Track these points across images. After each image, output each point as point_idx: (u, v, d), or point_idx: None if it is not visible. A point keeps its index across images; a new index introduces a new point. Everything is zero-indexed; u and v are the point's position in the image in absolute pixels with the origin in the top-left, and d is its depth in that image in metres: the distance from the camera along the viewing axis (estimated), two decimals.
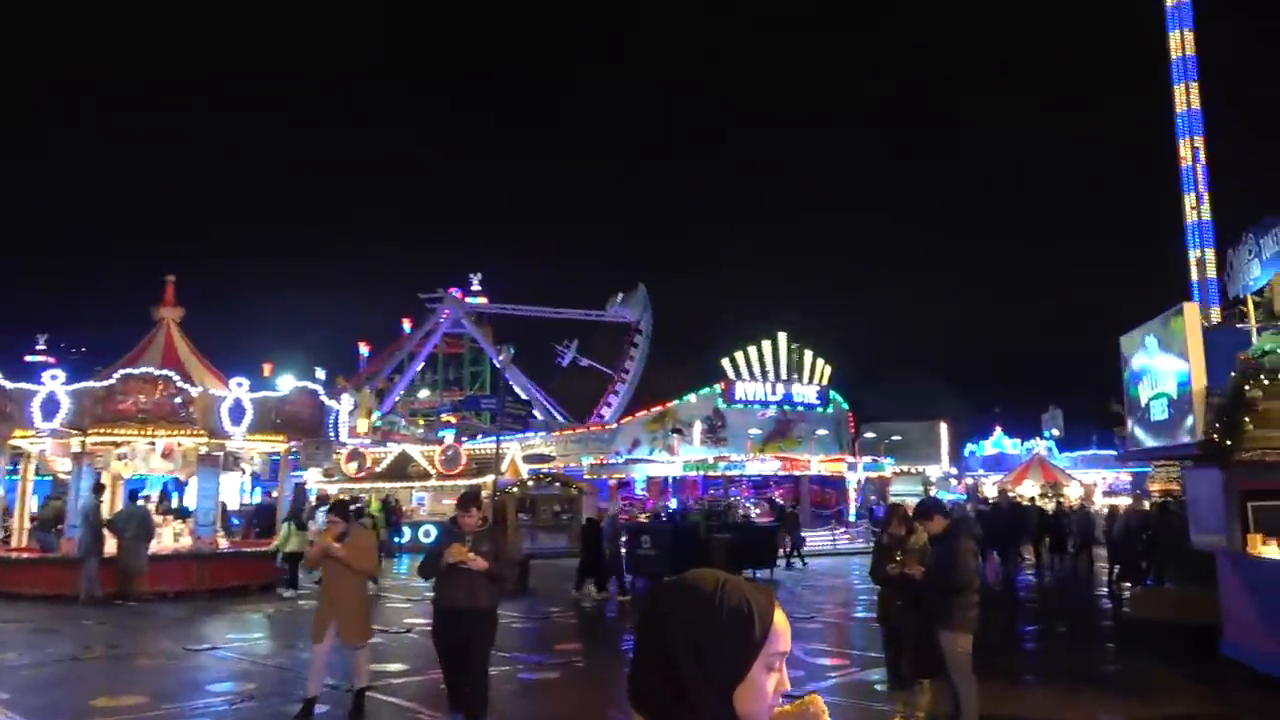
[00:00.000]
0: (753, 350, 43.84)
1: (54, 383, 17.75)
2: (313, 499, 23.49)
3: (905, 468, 47.36)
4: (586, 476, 37.53)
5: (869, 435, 48.29)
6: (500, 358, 32.49)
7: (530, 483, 32.57)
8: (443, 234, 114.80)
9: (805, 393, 44.38)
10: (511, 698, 9.31)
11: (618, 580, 18.92)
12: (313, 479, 30.24)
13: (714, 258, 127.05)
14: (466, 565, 7.08)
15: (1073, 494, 42.55)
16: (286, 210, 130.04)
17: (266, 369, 22.37)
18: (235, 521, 23.97)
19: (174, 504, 20.88)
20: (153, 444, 18.80)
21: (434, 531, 23.05)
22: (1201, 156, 36.24)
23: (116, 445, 18.62)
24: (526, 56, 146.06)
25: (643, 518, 29.11)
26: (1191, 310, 11.05)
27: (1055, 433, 57.44)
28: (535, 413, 54.84)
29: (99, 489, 17.41)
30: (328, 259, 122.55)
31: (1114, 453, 51.62)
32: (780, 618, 1.53)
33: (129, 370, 18.08)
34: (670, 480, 40.71)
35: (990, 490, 41.90)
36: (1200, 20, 38.94)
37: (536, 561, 21.65)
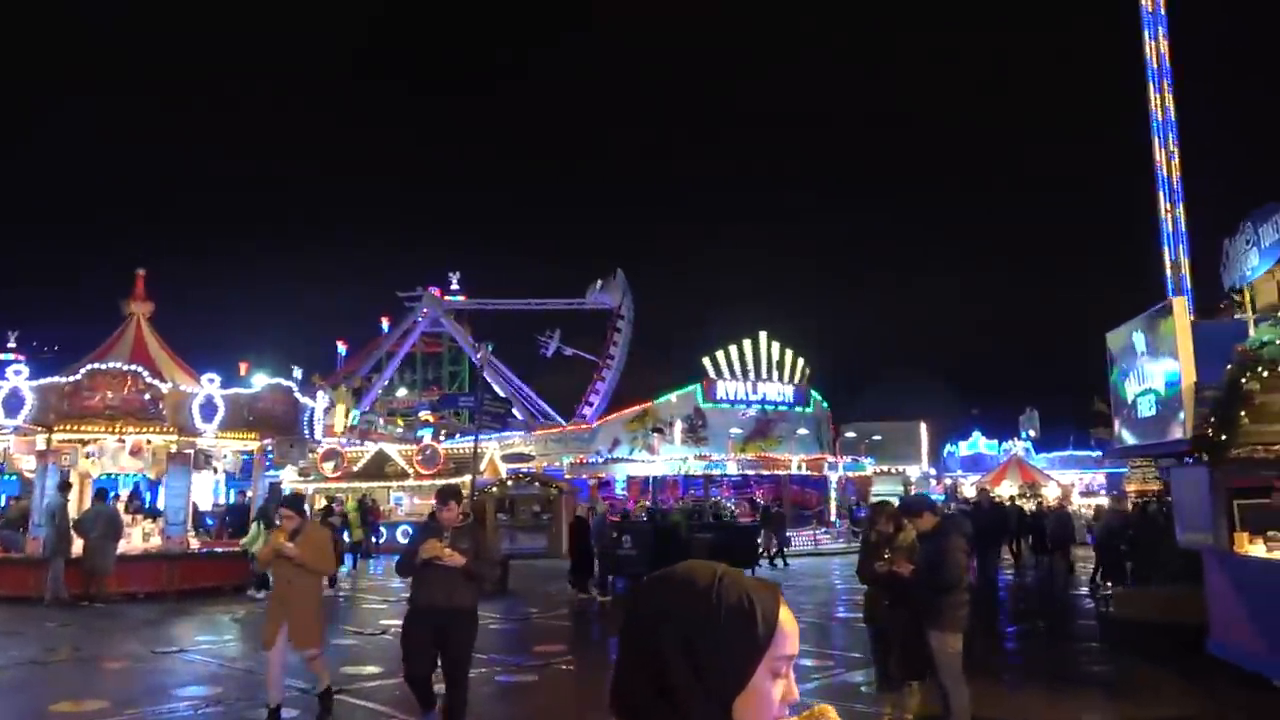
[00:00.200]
0: (733, 349, 43.75)
1: (18, 378, 17.29)
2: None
3: (886, 467, 47.46)
4: (566, 476, 37.27)
5: (849, 435, 48.30)
6: (478, 355, 32.18)
7: (509, 482, 32.27)
8: (422, 231, 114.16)
9: (785, 392, 44.33)
10: (490, 700, 9.07)
11: (599, 579, 18.76)
12: (288, 478, 29.83)
13: (695, 255, 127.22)
14: (443, 562, 6.82)
15: (1050, 494, 42.71)
16: (264, 208, 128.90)
17: (243, 368, 21.99)
18: (209, 521, 23.56)
19: (145, 503, 20.49)
20: (122, 441, 18.37)
21: (412, 531, 22.79)
22: (1177, 161, 36.34)
23: (84, 443, 18.18)
24: (503, 42, 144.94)
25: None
26: (1180, 304, 10.97)
27: (1032, 433, 57.76)
28: (515, 411, 54.47)
29: (65, 487, 16.97)
30: (306, 257, 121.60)
31: (1090, 453, 52.06)
32: (787, 616, 1.33)
33: (96, 365, 17.63)
34: (650, 480, 40.53)
35: (969, 490, 41.99)
36: (1177, 25, 38.91)
37: (515, 562, 21.40)
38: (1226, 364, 9.79)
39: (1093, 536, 22.85)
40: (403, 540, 25.80)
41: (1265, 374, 9.17)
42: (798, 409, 44.49)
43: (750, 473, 41.56)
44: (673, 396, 43.25)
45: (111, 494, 18.71)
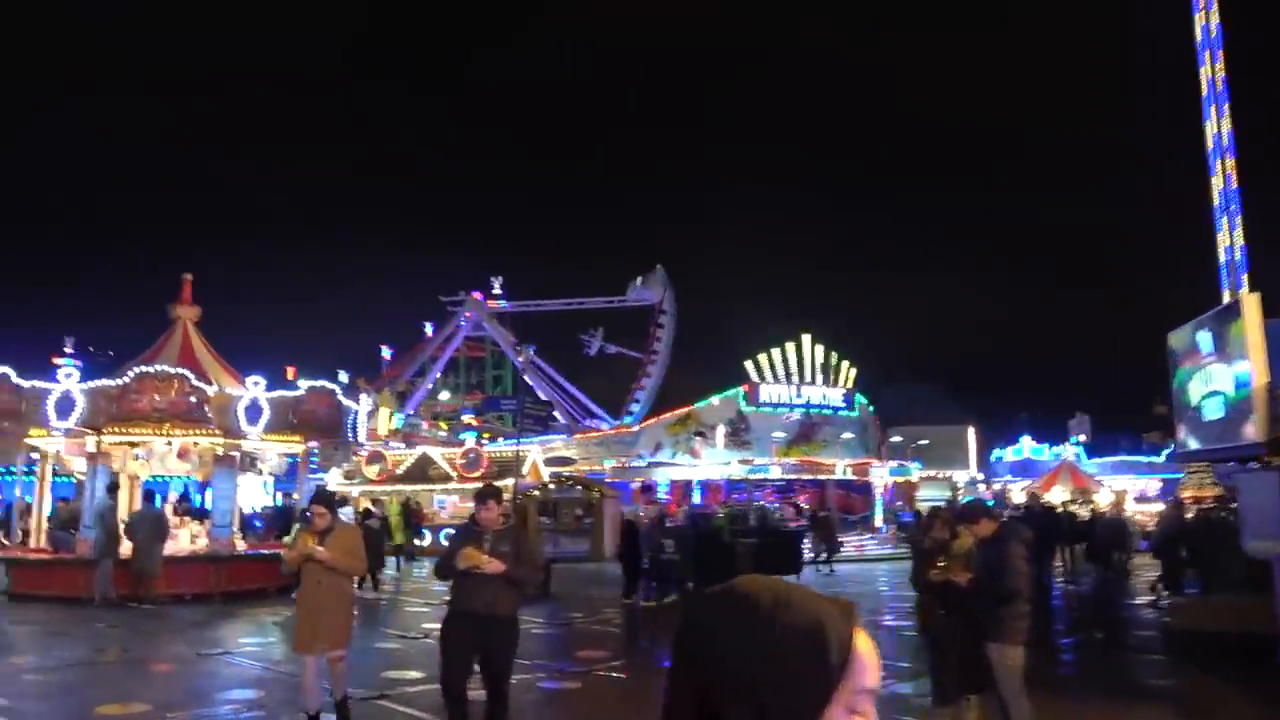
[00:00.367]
0: (776, 352, 43.34)
1: (69, 381, 17.57)
2: None
3: (932, 472, 46.72)
4: (609, 480, 37.16)
5: (895, 439, 47.61)
6: (520, 359, 32.17)
7: (551, 486, 32.22)
8: (468, 236, 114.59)
9: (830, 395, 43.82)
10: (532, 707, 8.91)
11: (644, 585, 18.58)
12: (334, 481, 30.06)
13: (739, 258, 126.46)
14: (482, 570, 6.61)
15: (1103, 500, 41.75)
16: (305, 213, 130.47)
17: (290, 372, 22.13)
18: (258, 524, 23.79)
19: (194, 506, 20.70)
20: (169, 444, 18.57)
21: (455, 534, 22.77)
22: (1234, 179, 35.05)
23: (132, 445, 18.41)
24: (534, 41, 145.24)
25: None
26: (1252, 302, 10.49)
27: (1082, 438, 56.69)
28: (557, 415, 54.52)
29: (114, 489, 17.18)
30: (355, 261, 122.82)
31: (1144, 459, 50.84)
32: (865, 642, 1.12)
33: (144, 369, 17.87)
34: (693, 484, 40.28)
35: (1018, 496, 41.18)
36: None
37: (558, 566, 21.28)
38: None
39: (1146, 543, 22.18)
40: (446, 544, 25.82)
41: None
42: (843, 413, 43.97)
43: (793, 477, 41.13)
44: (715, 400, 42.98)
45: (160, 496, 18.93)
